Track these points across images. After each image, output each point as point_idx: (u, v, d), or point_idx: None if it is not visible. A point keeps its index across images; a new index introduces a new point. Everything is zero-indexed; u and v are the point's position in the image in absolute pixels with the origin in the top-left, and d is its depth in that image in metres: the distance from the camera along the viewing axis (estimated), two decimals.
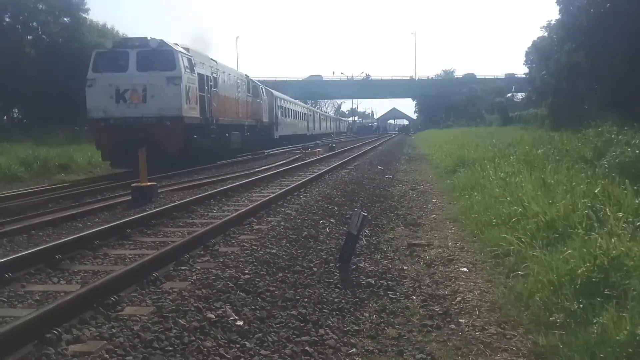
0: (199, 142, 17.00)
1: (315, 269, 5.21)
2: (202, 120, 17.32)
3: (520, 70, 67.92)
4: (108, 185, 12.44)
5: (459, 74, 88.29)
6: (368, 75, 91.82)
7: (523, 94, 56.92)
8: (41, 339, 3.30)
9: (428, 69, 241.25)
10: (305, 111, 47.04)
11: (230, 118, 21.17)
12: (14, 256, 5.15)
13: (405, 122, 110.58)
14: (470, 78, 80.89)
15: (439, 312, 4.36)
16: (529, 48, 47.77)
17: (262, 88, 28.44)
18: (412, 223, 8.10)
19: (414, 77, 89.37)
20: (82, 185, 13.08)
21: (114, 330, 3.49)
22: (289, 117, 37.44)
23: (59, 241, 5.81)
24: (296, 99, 46.80)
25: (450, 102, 72.74)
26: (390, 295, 4.78)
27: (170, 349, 3.22)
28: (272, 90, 32.47)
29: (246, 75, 25.88)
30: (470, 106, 63.92)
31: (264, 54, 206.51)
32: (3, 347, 3.09)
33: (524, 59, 50.12)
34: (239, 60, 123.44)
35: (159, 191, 10.16)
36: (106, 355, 3.09)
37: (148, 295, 4.22)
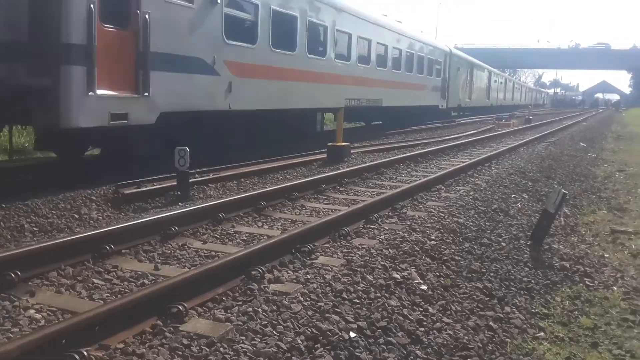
0: None
1: (504, 244, 5.00)
2: None
3: None
4: None
5: None
6: (577, 44, 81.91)
7: None
8: (247, 275, 3.65)
9: None
10: (440, 58, 22.18)
11: None
12: (227, 199, 5.84)
13: (616, 96, 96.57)
14: None
15: None
16: None
17: None
18: (617, 207, 7.24)
19: (636, 45, 77.03)
20: None
21: (308, 276, 3.75)
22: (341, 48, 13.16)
23: (264, 190, 6.46)
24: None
25: None
26: (586, 282, 4.40)
27: (357, 301, 3.34)
28: None
29: None
30: None
31: (466, 23, 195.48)
32: (217, 277, 3.50)
33: None
34: (439, 29, 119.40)
35: (352, 152, 10.62)
36: (301, 298, 3.30)
37: (339, 248, 4.49)
